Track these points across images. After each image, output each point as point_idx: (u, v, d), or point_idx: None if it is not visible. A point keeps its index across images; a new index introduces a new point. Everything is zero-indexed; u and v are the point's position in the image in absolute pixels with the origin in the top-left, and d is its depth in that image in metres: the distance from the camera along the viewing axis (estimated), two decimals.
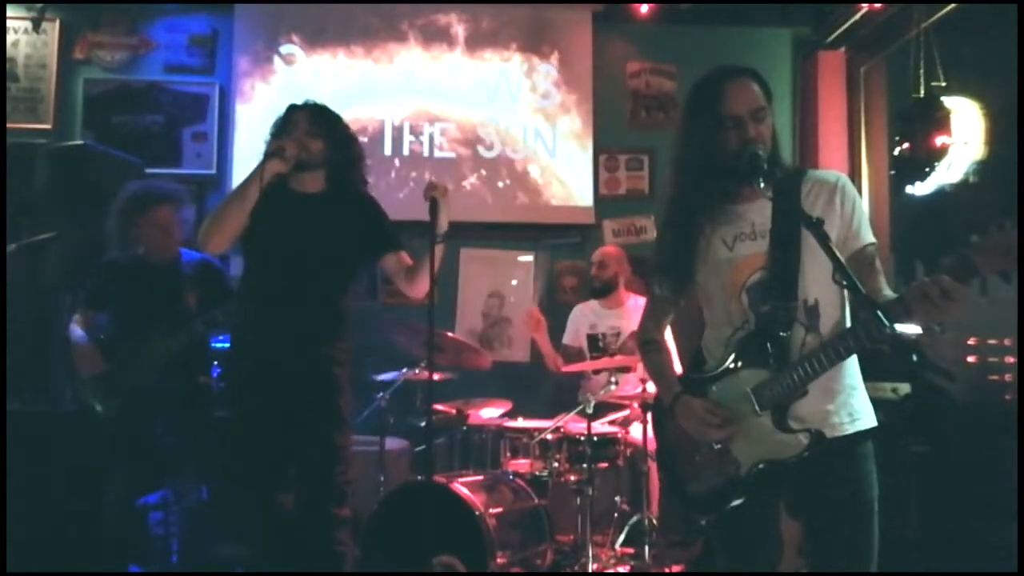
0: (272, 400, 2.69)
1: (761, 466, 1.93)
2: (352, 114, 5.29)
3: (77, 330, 3.43)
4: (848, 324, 1.96)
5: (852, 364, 1.97)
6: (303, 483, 2.70)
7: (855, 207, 1.97)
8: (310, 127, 2.78)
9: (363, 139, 5.19)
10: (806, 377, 1.86)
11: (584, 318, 4.65)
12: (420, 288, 2.79)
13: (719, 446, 1.98)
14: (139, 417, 3.37)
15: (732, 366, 1.98)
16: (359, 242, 2.82)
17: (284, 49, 5.36)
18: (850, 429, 1.93)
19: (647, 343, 2.22)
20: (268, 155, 2.69)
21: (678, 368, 2.30)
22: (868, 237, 1.97)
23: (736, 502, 1.96)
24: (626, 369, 4.13)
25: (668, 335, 4.01)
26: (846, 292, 1.95)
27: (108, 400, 3.36)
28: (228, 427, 2.89)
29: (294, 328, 2.71)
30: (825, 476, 1.90)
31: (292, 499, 2.71)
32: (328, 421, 2.72)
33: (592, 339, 4.55)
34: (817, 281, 1.92)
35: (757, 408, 1.92)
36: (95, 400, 3.39)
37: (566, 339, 4.70)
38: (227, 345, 3.88)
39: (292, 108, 2.85)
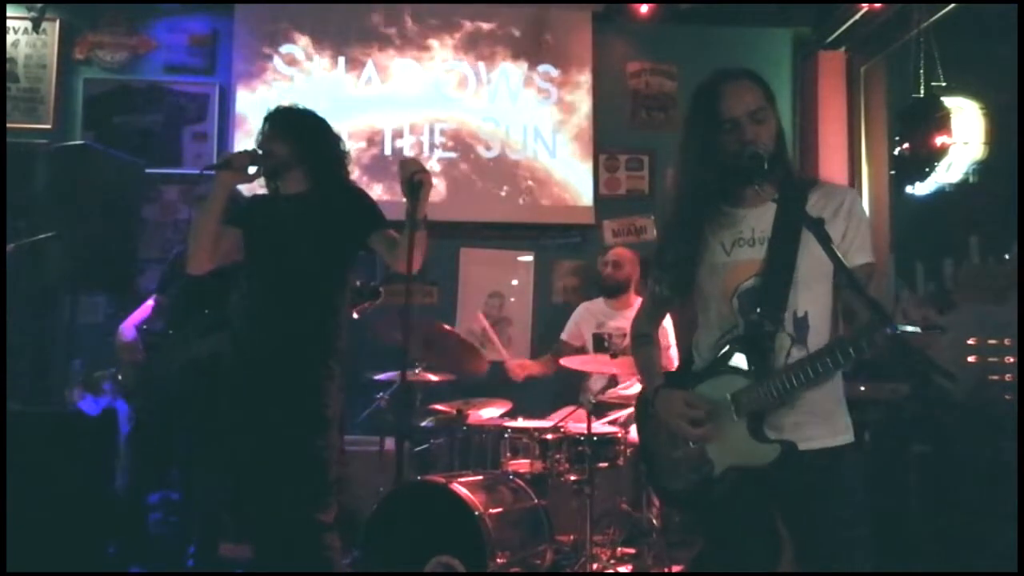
0: (257, 402, 2.67)
1: (733, 471, 1.94)
2: (352, 113, 5.32)
3: (124, 325, 3.58)
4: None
5: (836, 380, 1.97)
6: (282, 487, 2.65)
7: (859, 224, 1.96)
8: (272, 131, 2.80)
9: (362, 139, 5.29)
10: (790, 388, 1.85)
11: (591, 316, 4.63)
12: (404, 266, 2.66)
13: (694, 445, 1.99)
14: (160, 414, 3.41)
15: (715, 369, 1.98)
16: (345, 231, 2.79)
17: (284, 49, 5.35)
18: (827, 444, 1.92)
19: (639, 336, 2.24)
20: (216, 167, 2.73)
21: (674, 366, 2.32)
22: (866, 256, 1.96)
23: (712, 499, 1.98)
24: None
25: (670, 332, 4.07)
26: (838, 310, 1.97)
27: (133, 395, 3.42)
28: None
29: (284, 328, 2.70)
30: (803, 486, 1.90)
31: (272, 503, 2.67)
32: (310, 424, 2.68)
33: (597, 338, 4.53)
34: (811, 294, 1.93)
35: (734, 414, 1.92)
36: (123, 395, 3.48)
37: (565, 335, 4.69)
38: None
39: (264, 119, 2.87)
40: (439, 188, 5.28)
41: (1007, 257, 1.62)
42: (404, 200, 2.55)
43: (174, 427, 3.40)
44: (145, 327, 3.56)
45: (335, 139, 2.91)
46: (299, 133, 2.82)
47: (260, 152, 2.78)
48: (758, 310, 1.92)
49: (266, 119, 2.86)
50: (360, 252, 2.88)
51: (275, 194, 2.85)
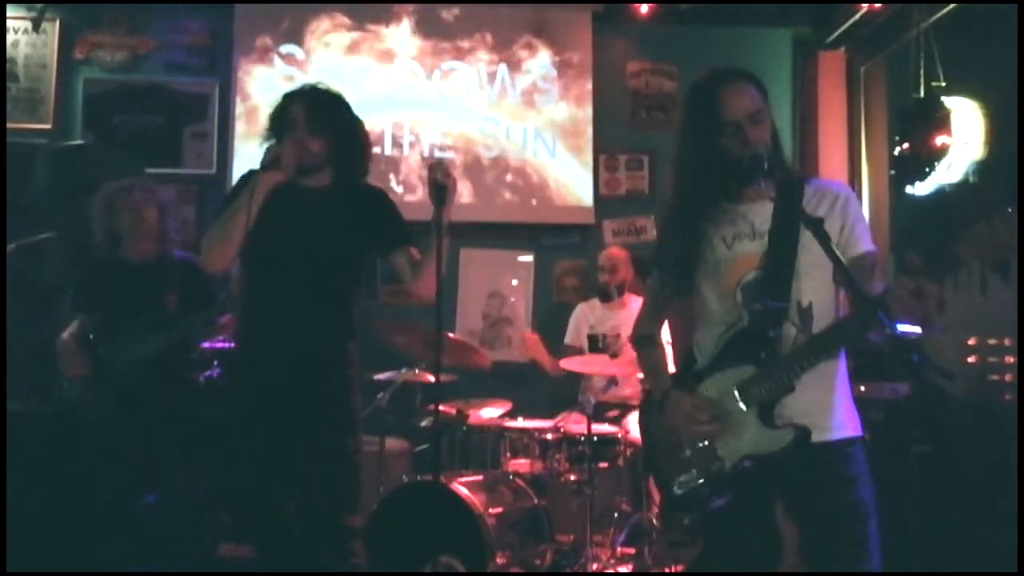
0: (281, 400, 2.55)
1: (746, 462, 1.94)
2: None
3: (64, 334, 3.35)
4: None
5: (841, 374, 1.99)
6: (311, 490, 2.57)
7: (856, 215, 1.99)
8: (310, 124, 2.55)
9: None
10: (794, 373, 1.87)
11: (585, 318, 4.66)
12: (428, 285, 2.60)
13: (704, 443, 1.99)
14: (125, 416, 3.27)
15: (720, 362, 1.99)
16: (369, 237, 2.67)
17: (284, 49, 5.36)
18: (837, 435, 1.94)
19: (642, 338, 2.24)
20: (263, 167, 2.54)
21: (673, 367, 2.32)
22: (867, 245, 1.98)
23: (720, 502, 1.97)
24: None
25: (666, 333, 4.08)
26: (841, 297, 1.98)
27: (94, 402, 3.32)
28: (222, 425, 2.84)
29: (303, 327, 2.58)
30: (812, 477, 1.91)
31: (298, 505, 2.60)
32: (339, 423, 2.59)
33: (592, 339, 4.55)
34: (813, 283, 1.94)
35: (742, 404, 1.93)
36: (81, 400, 3.35)
37: (568, 339, 4.70)
38: (229, 344, 3.86)
39: (289, 97, 2.62)
40: None
41: (1010, 210, 1.62)
42: (401, 200, 2.53)
43: (144, 425, 3.32)
44: (92, 337, 3.33)
45: (366, 133, 2.73)
46: (337, 128, 2.61)
47: (304, 149, 2.55)
48: (762, 301, 1.93)
49: (301, 100, 2.59)
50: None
51: (292, 185, 2.59)
